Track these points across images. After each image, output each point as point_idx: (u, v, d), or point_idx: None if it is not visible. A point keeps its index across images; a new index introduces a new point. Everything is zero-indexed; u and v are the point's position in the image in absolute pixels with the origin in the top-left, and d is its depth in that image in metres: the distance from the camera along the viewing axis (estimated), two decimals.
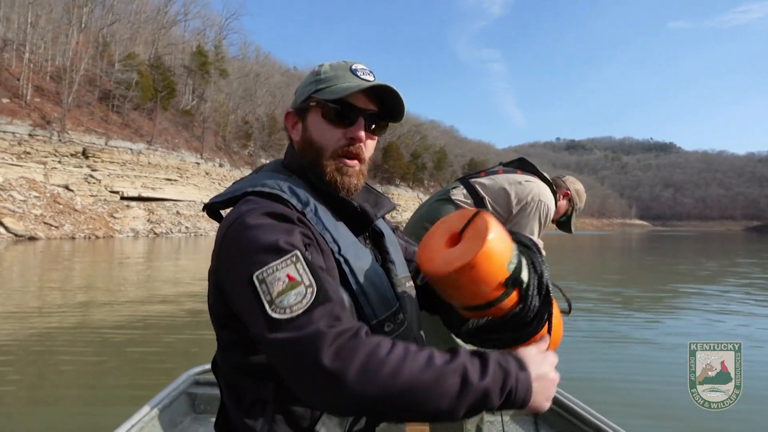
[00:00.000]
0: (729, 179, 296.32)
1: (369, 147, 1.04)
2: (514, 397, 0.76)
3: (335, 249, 0.92)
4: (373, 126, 1.02)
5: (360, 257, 0.96)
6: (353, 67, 1.00)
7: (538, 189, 2.41)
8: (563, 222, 2.72)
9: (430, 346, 0.80)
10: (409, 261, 1.22)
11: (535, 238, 2.31)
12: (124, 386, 4.68)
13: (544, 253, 1.09)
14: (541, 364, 0.84)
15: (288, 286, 0.77)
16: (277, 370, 0.79)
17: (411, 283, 1.12)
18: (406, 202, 77.37)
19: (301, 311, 0.75)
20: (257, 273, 0.78)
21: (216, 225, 1.05)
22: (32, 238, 27.53)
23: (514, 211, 2.38)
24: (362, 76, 0.99)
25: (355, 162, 1.01)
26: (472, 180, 2.47)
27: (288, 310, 0.75)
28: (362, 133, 0.99)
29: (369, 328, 0.82)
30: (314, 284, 0.78)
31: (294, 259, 0.79)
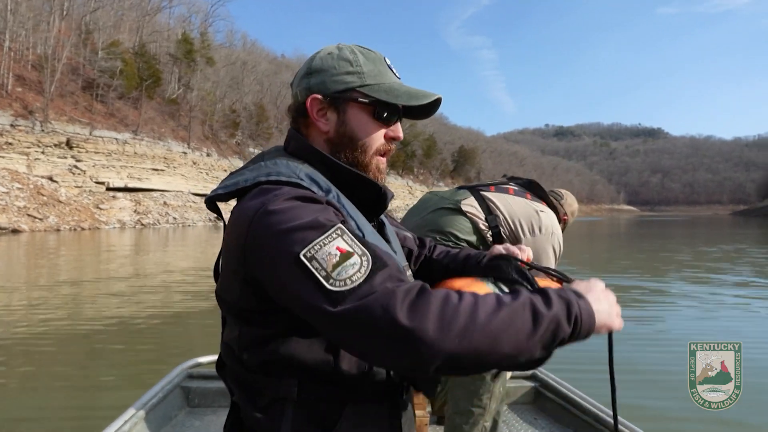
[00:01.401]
0: (716, 164, 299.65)
1: None
2: (581, 322, 0.78)
3: (360, 236, 0.87)
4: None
5: (380, 245, 0.93)
6: (386, 60, 1.01)
7: (550, 222, 2.36)
8: None
9: None
10: (401, 246, 1.20)
11: (552, 265, 2.27)
12: (117, 381, 4.63)
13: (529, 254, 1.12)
14: (593, 289, 0.87)
15: (341, 257, 0.75)
16: (301, 363, 0.84)
17: (410, 272, 1.13)
18: (395, 190, 77.21)
19: (362, 279, 0.73)
20: (304, 252, 0.75)
21: (211, 215, 0.94)
22: (15, 231, 27.09)
23: (524, 239, 2.31)
24: (395, 72, 1.01)
25: (385, 158, 1.03)
26: (483, 192, 2.37)
27: (348, 281, 0.73)
28: (401, 132, 1.02)
29: None
30: (367, 252, 0.77)
31: (339, 231, 0.78)
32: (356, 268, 0.74)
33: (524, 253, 1.13)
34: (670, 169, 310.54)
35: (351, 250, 0.76)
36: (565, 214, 2.62)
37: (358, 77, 0.96)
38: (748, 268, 14.20)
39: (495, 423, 2.23)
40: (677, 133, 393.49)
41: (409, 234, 1.30)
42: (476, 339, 0.70)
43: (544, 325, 0.74)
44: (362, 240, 0.80)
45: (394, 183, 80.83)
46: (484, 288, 0.92)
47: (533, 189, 2.46)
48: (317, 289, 0.73)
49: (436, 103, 1.02)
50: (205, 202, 0.97)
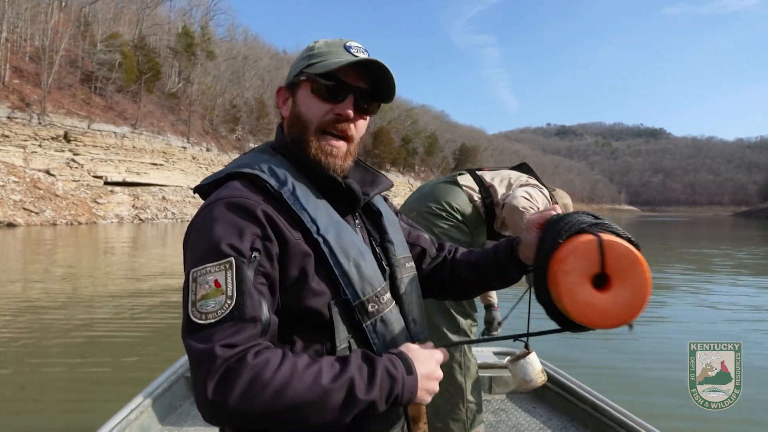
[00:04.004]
0: (718, 165, 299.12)
1: (359, 127, 1.01)
2: (400, 400, 0.82)
3: (313, 229, 0.91)
4: (365, 106, 1.00)
5: (342, 236, 0.94)
6: (347, 44, 0.99)
7: (539, 184, 2.49)
8: None
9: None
10: (412, 245, 1.21)
11: (537, 207, 2.32)
12: (118, 373, 4.66)
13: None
14: (428, 361, 0.88)
15: (212, 291, 0.79)
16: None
17: (412, 263, 1.11)
18: (396, 187, 76.94)
19: (213, 320, 0.78)
20: (194, 270, 0.81)
21: None
22: (11, 225, 26.75)
23: (514, 192, 2.39)
24: (355, 53, 0.97)
25: (342, 143, 0.98)
26: (478, 172, 2.52)
27: (203, 317, 0.78)
28: (350, 111, 0.97)
29: (352, 307, 0.90)
30: (235, 297, 0.79)
31: (227, 266, 0.80)
32: (216, 307, 0.78)
33: (554, 206, 1.06)
34: (672, 169, 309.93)
35: (223, 288, 0.79)
36: (556, 203, 2.64)
37: (307, 60, 0.99)
38: (749, 268, 13.89)
39: (479, 405, 2.28)
40: (679, 134, 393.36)
41: (425, 235, 1.27)
42: (279, 412, 0.75)
43: (356, 407, 0.78)
44: (242, 283, 0.80)
45: (395, 180, 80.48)
46: (584, 237, 0.86)
47: (524, 170, 2.60)
48: (185, 307, 0.80)
49: (388, 79, 0.98)
50: (194, 191, 1.02)
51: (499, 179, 2.46)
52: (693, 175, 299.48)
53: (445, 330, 2.29)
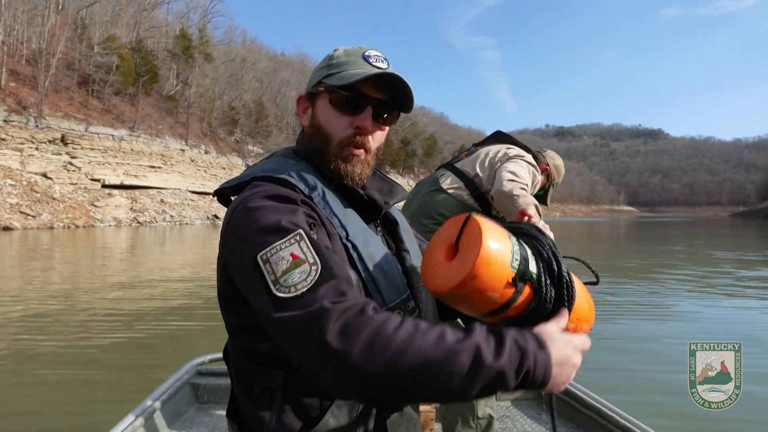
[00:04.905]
0: (716, 165, 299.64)
1: (377, 137, 1.01)
2: (531, 377, 0.74)
3: (343, 234, 0.92)
4: (383, 116, 0.99)
5: (369, 244, 0.95)
6: (366, 53, 0.98)
7: (519, 151, 2.41)
8: (540, 196, 2.67)
9: None
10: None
11: (525, 184, 2.21)
12: (126, 378, 4.63)
13: (550, 234, 0.97)
14: (565, 346, 0.80)
15: (292, 264, 0.77)
16: (285, 355, 0.80)
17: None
18: None
19: (305, 289, 0.75)
20: (261, 253, 0.79)
21: (209, 213, 0.98)
22: (7, 228, 26.59)
23: (500, 168, 2.30)
24: (374, 63, 0.96)
25: (361, 151, 0.99)
26: (456, 164, 2.46)
27: (293, 289, 0.76)
28: (369, 123, 0.96)
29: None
30: (318, 262, 0.78)
31: (298, 237, 0.80)
32: (303, 276, 0.76)
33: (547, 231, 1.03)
34: (670, 170, 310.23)
35: (303, 257, 0.78)
36: (547, 164, 2.61)
37: (327, 70, 0.98)
38: (748, 270, 13.82)
39: (490, 420, 2.25)
40: (677, 134, 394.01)
41: (426, 244, 1.24)
42: (402, 371, 0.69)
43: (483, 374, 0.71)
44: (319, 249, 0.80)
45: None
46: (504, 237, 0.84)
47: (500, 138, 2.54)
48: (266, 291, 0.77)
49: (406, 91, 0.98)
50: (214, 195, 1.02)
51: (480, 165, 2.38)
52: (691, 175, 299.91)
53: None
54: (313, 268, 0.77)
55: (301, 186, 0.93)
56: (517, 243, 0.85)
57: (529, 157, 2.41)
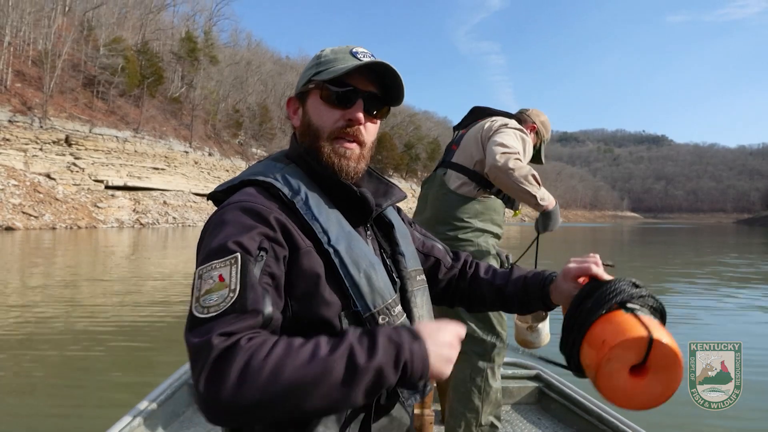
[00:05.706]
0: (720, 172, 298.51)
1: (370, 131, 1.02)
2: (411, 369, 0.77)
3: (324, 239, 0.91)
4: (374, 110, 1.01)
5: (353, 247, 0.93)
6: (354, 50, 0.99)
7: (503, 120, 2.38)
8: (533, 155, 2.66)
9: None
10: (426, 255, 1.22)
11: (517, 152, 2.16)
12: (123, 379, 4.63)
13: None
14: (438, 331, 0.84)
15: (216, 286, 0.78)
16: None
17: (423, 277, 1.11)
18: None
19: (215, 314, 0.76)
20: (200, 268, 0.82)
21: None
22: (9, 229, 26.57)
23: (489, 143, 2.25)
24: (362, 58, 0.97)
25: (354, 145, 0.99)
26: (454, 159, 2.44)
27: (206, 310, 0.77)
28: (361, 115, 0.97)
29: (362, 319, 0.88)
30: (238, 290, 0.78)
31: (233, 261, 0.80)
32: (218, 301, 0.77)
33: (595, 259, 1.02)
34: (674, 176, 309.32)
35: (227, 281, 0.78)
36: (534, 123, 2.60)
37: (315, 68, 1.00)
38: (748, 269, 13.65)
39: (494, 429, 2.25)
40: (681, 141, 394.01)
41: (439, 245, 1.27)
42: (279, 395, 0.71)
43: (361, 377, 0.73)
44: (246, 278, 0.79)
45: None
46: (629, 322, 0.87)
47: (479, 114, 2.51)
48: (190, 305, 0.80)
49: (395, 81, 0.98)
50: (208, 199, 1.04)
51: (476, 150, 2.34)
52: (695, 182, 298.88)
53: (469, 352, 2.22)
54: (230, 295, 0.77)
55: (285, 190, 0.93)
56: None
57: (513, 123, 2.38)
